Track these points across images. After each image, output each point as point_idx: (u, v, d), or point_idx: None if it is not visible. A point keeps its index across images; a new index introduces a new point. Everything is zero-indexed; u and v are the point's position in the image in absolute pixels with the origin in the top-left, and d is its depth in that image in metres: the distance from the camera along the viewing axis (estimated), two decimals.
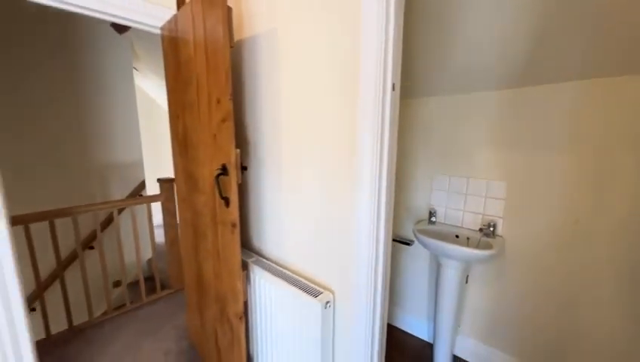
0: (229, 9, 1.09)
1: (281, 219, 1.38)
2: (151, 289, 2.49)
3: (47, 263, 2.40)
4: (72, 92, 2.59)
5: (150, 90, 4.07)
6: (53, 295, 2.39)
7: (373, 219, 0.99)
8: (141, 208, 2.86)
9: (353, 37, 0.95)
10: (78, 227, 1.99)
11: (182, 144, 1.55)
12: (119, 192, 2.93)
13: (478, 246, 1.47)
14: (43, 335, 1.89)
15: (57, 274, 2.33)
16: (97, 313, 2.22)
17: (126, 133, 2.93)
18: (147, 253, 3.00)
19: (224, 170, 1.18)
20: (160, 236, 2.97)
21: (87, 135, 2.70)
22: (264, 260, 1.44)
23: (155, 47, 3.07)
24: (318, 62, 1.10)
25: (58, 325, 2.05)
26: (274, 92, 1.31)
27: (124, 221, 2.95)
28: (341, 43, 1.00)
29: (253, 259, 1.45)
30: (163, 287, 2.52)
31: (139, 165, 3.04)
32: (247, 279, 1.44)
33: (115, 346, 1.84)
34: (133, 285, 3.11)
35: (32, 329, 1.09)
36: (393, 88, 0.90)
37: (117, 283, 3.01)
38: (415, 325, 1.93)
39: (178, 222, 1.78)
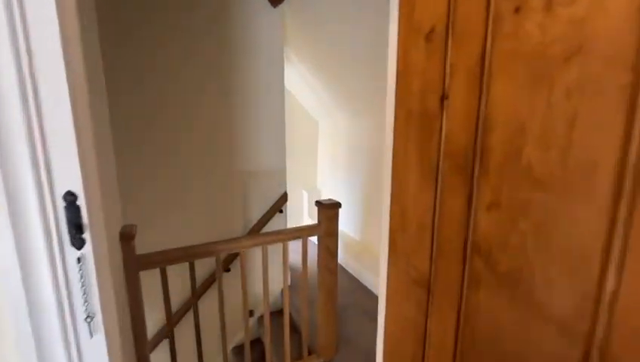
0: None
1: None
2: (291, 332, 1.79)
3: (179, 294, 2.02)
4: (220, 78, 2.13)
5: (290, 83, 3.57)
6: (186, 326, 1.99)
7: None
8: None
9: None
10: (220, 265, 1.41)
11: (457, 164, 0.63)
12: (259, 204, 2.40)
13: None
14: None
15: (190, 305, 1.91)
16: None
17: (271, 136, 2.38)
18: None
19: None
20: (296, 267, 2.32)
21: (233, 133, 2.22)
22: None
23: (308, 21, 2.41)
24: None
25: None
26: None
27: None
28: None
29: None
30: (309, 349, 1.79)
31: (281, 175, 2.46)
32: None
33: None
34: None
35: None
36: None
37: (250, 314, 2.52)
38: None
39: (381, 292, 0.91)
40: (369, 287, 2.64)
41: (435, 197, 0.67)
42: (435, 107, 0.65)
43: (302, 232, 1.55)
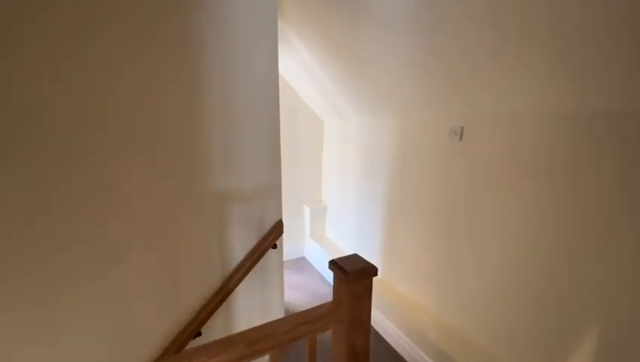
0: None
1: None
2: None
3: None
4: (182, 61, 1.42)
5: (287, 71, 2.87)
6: None
7: None
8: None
9: None
10: None
11: None
12: (244, 239, 1.70)
13: None
14: None
15: None
16: None
17: (261, 142, 1.67)
18: None
19: None
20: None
21: (206, 141, 1.52)
22: None
23: None
24: None
25: None
26: None
27: (247, 290, 1.73)
28: None
29: None
30: None
31: (275, 194, 1.76)
32: None
33: None
34: None
35: None
36: None
37: None
38: None
39: None
40: (394, 346, 1.94)
41: None
42: None
43: (307, 327, 0.85)
